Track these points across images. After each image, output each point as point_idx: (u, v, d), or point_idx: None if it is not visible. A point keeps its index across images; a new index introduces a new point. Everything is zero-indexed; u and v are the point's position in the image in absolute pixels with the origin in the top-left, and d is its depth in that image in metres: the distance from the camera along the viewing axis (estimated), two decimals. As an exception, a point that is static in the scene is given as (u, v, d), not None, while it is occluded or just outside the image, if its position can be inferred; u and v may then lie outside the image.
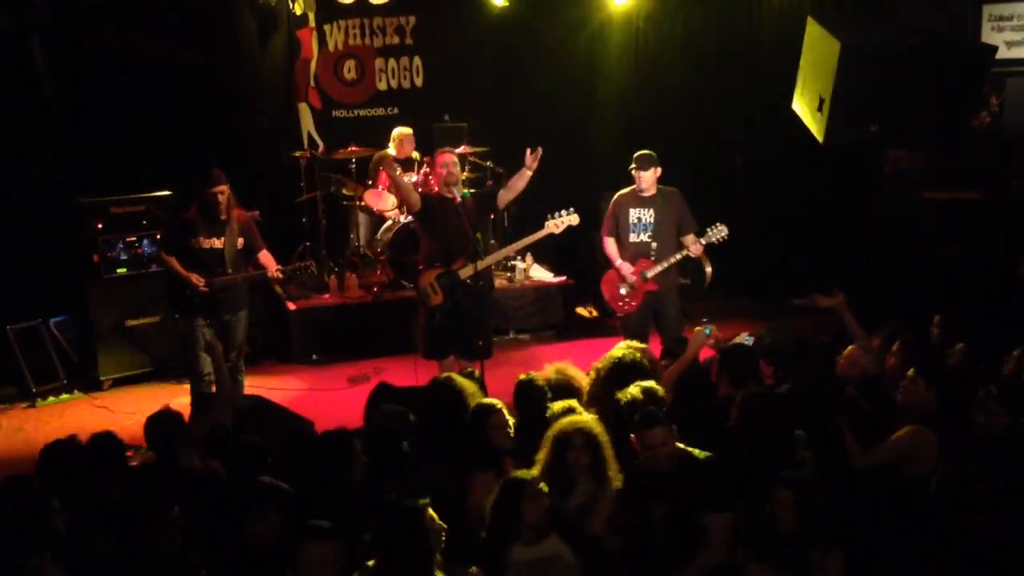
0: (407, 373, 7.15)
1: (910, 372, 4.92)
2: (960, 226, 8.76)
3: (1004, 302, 7.63)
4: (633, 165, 7.27)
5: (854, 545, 4.21)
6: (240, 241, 6.94)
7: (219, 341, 6.56)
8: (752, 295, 10.18)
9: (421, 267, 6.97)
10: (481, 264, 6.74)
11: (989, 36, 9.02)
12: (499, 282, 9.38)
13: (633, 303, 7.33)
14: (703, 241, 7.17)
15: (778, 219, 10.39)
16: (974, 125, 8.75)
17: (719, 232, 7.12)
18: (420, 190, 8.20)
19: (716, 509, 4.21)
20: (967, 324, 6.09)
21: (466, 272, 6.80)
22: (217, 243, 6.89)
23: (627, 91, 10.84)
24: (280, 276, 7.07)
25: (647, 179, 7.27)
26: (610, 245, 7.47)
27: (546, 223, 7.00)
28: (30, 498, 3.87)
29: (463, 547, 4.06)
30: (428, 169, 7.59)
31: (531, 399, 5.15)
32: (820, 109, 6.71)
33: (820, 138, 6.88)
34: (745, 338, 6.26)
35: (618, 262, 7.35)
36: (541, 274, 9.78)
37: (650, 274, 7.23)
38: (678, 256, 7.23)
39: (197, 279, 6.77)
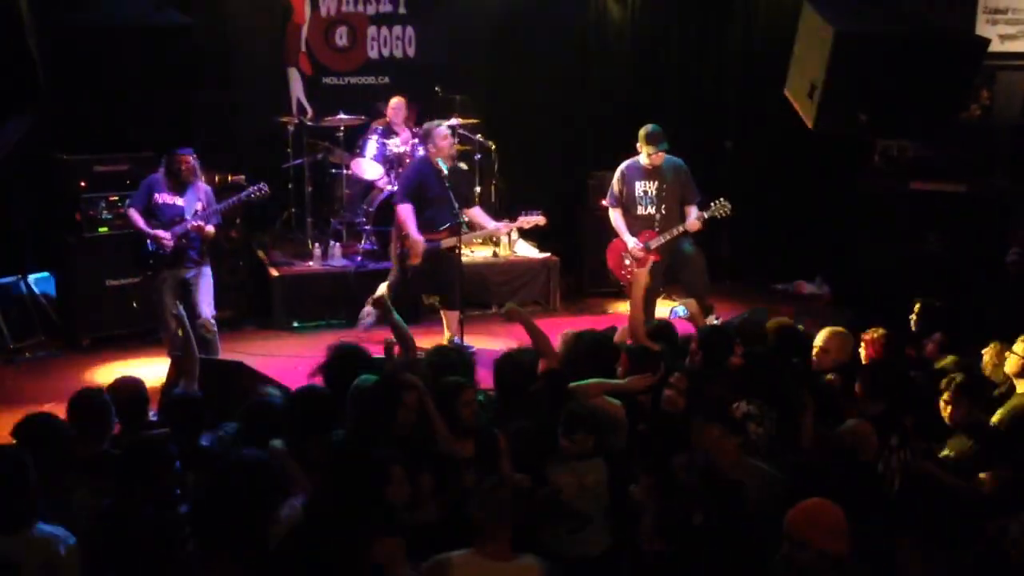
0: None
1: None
2: (945, 217, 8.78)
3: (986, 293, 7.69)
4: (646, 139, 7.50)
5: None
6: (199, 205, 7.14)
7: (182, 302, 6.67)
8: (736, 279, 10.21)
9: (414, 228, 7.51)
10: (461, 240, 7.51)
11: (983, 29, 9.01)
12: (483, 257, 9.41)
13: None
14: (706, 215, 7.41)
15: (766, 204, 10.41)
16: (964, 118, 8.75)
17: (723, 207, 7.36)
18: (408, 159, 8.57)
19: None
20: (947, 313, 6.11)
21: (448, 243, 7.45)
22: (179, 200, 7.13)
23: (621, 70, 10.79)
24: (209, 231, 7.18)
25: (655, 155, 7.53)
26: (616, 217, 7.79)
27: (519, 218, 7.70)
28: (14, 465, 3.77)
29: None
30: (423, 141, 7.94)
31: (512, 374, 5.15)
32: (811, 95, 6.71)
33: (810, 124, 6.89)
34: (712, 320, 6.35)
35: (625, 236, 7.69)
36: (526, 250, 9.77)
37: (653, 244, 7.47)
38: (679, 229, 7.51)
39: (163, 234, 7.02)
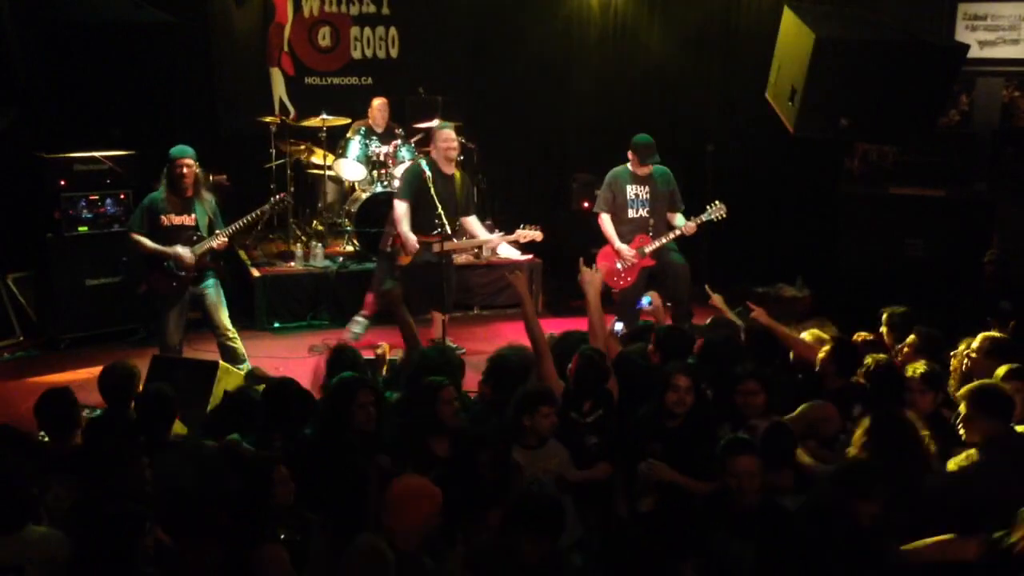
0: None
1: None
2: (925, 222, 8.85)
3: (964, 295, 7.76)
4: (636, 151, 7.54)
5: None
6: (208, 219, 6.93)
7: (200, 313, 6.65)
8: (716, 283, 10.20)
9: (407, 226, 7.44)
10: (448, 245, 7.35)
11: (962, 35, 9.08)
12: (465, 258, 9.39)
13: (629, 278, 7.53)
14: (703, 218, 7.40)
15: (746, 208, 10.43)
16: (943, 123, 8.82)
17: (718, 210, 7.41)
18: (391, 160, 8.51)
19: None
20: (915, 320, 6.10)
21: (439, 248, 7.25)
22: (188, 220, 6.84)
23: (602, 72, 10.81)
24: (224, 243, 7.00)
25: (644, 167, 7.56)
26: (606, 221, 7.72)
27: (516, 231, 7.60)
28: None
29: None
30: (429, 141, 7.98)
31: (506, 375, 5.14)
32: (792, 99, 6.75)
33: (791, 128, 6.92)
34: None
35: (616, 243, 7.61)
36: (508, 252, 9.74)
37: (648, 249, 7.50)
38: (674, 234, 7.54)
39: (184, 252, 6.72)
